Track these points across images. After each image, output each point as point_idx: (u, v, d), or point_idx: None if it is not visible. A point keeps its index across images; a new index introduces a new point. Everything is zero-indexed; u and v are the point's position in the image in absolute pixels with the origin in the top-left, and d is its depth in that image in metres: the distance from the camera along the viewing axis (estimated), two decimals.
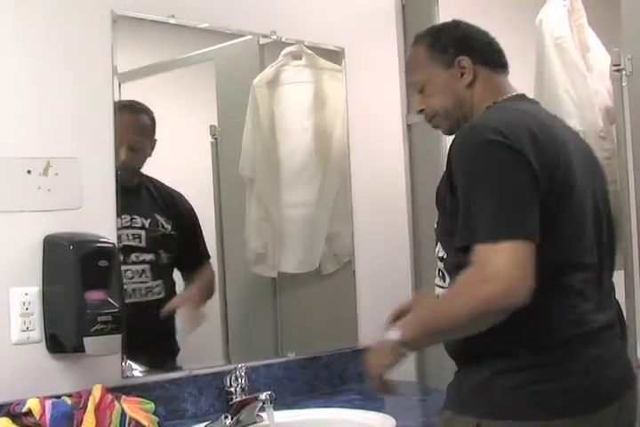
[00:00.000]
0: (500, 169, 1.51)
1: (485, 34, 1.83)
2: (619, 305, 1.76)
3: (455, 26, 1.83)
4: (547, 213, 1.52)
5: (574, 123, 2.45)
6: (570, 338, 1.55)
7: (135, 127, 2.24)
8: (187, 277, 2.33)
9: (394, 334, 1.58)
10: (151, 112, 2.24)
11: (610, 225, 1.73)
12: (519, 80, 2.60)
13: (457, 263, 1.57)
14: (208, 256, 2.36)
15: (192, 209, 2.33)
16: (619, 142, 2.37)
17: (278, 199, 2.52)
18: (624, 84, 2.31)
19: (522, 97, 1.78)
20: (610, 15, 2.58)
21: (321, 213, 2.58)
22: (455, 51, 1.75)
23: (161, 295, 2.22)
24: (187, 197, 2.32)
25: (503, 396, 1.53)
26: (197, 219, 2.34)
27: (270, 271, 2.50)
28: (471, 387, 1.58)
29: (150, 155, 2.25)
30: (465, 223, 1.52)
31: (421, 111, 1.83)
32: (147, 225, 2.21)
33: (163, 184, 2.29)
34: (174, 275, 2.30)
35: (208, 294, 2.36)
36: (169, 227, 2.27)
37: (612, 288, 1.73)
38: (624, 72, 2.30)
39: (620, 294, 2.26)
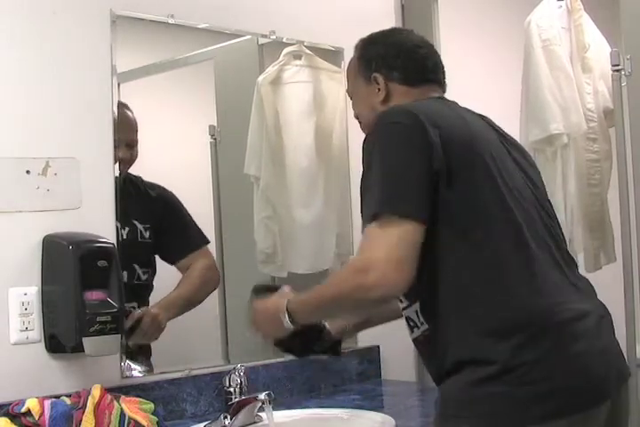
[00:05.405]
0: (395, 148, 1.59)
1: (414, 47, 1.79)
2: (590, 284, 1.67)
3: (387, 37, 1.82)
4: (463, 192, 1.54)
5: (557, 126, 2.46)
6: (543, 328, 1.48)
7: (129, 124, 2.19)
8: (180, 266, 2.28)
9: (282, 304, 1.66)
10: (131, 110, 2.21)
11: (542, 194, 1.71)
12: (514, 81, 2.61)
13: None
14: (201, 243, 2.32)
15: (170, 198, 2.27)
16: (618, 142, 2.37)
17: (286, 199, 2.51)
18: (623, 85, 2.31)
19: (430, 98, 1.75)
20: (609, 15, 2.59)
21: (328, 212, 2.58)
22: (376, 66, 1.77)
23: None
24: (183, 194, 2.28)
25: (484, 404, 1.49)
26: (180, 207, 2.28)
27: (280, 271, 2.50)
28: (452, 399, 1.55)
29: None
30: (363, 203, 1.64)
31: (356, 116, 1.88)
32: (124, 235, 2.12)
33: (142, 180, 2.23)
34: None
35: (204, 286, 2.32)
36: (147, 234, 2.21)
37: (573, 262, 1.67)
38: (623, 72, 2.30)
39: (619, 292, 2.27)
